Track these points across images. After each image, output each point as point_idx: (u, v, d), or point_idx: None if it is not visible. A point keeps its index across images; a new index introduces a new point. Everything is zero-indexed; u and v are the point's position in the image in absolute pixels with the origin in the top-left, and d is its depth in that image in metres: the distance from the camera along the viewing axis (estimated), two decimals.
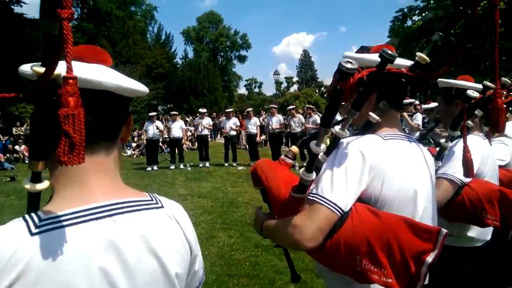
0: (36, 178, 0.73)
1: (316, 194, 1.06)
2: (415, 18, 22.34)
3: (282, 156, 1.44)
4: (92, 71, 0.71)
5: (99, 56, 0.79)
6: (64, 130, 0.55)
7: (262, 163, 1.44)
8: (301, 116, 10.89)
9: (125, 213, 0.72)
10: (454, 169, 1.60)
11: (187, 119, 20.29)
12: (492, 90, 1.63)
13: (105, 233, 0.68)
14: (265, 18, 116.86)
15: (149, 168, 10.61)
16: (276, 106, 12.33)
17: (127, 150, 15.55)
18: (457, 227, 1.71)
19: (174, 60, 36.12)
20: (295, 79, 59.41)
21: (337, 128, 1.09)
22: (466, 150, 1.57)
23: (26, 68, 0.66)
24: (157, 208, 0.79)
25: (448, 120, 1.90)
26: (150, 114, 11.17)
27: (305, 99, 35.39)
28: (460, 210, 1.58)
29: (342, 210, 1.03)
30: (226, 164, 11.07)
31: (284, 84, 56.53)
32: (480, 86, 1.75)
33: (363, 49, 31.42)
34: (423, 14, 21.41)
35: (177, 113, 11.84)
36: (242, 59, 49.55)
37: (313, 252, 1.07)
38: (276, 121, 10.93)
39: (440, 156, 1.67)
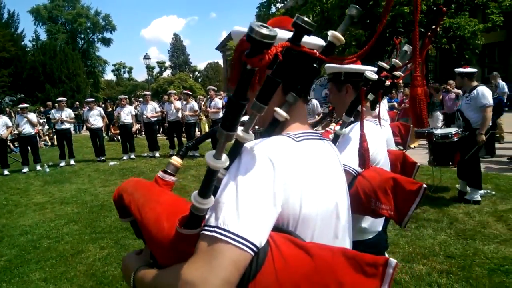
0: None
1: (216, 227, 0.70)
2: (279, 5, 23.52)
3: (160, 173, 1.01)
4: None
5: None
6: None
7: (129, 185, 0.99)
8: (179, 103, 10.29)
9: None
10: (348, 158, 1.48)
11: (41, 109, 17.49)
12: (385, 72, 1.53)
13: None
14: None
15: None
16: (149, 93, 11.45)
17: None
18: None
19: (22, 43, 30.97)
20: (168, 63, 57.44)
21: (238, 130, 0.75)
22: (363, 139, 1.44)
23: None
24: None
25: (340, 107, 1.79)
26: None
27: (180, 84, 34.41)
28: (355, 202, 1.45)
29: (256, 247, 0.70)
30: (103, 159, 9.90)
31: (157, 69, 54.09)
32: (372, 68, 1.65)
33: None
34: (285, 2, 22.68)
35: (26, 105, 9.87)
36: (106, 42, 45.55)
37: None
38: (151, 109, 10.16)
39: (334, 144, 1.51)
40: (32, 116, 9.44)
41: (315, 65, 0.87)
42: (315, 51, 0.84)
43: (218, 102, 9.86)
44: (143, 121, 10.78)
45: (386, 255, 3.36)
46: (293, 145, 0.85)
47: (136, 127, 12.91)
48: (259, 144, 0.81)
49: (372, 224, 1.75)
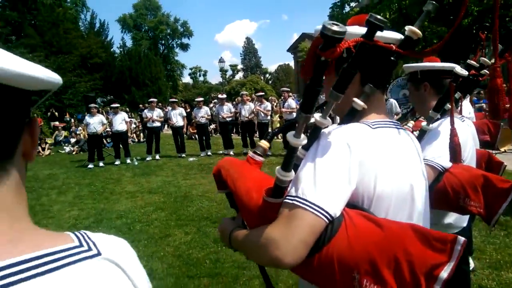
0: None
1: (296, 196, 0.84)
2: (353, 4, 22.98)
3: (250, 153, 1.19)
4: None
5: None
6: None
7: (226, 162, 1.19)
8: (251, 104, 10.70)
9: (35, 278, 0.43)
10: (434, 154, 1.51)
11: (126, 109, 19.30)
12: (474, 70, 1.54)
13: None
14: (206, 5, 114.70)
15: (90, 166, 9.85)
16: (225, 96, 12.06)
17: (65, 147, 14.39)
18: (434, 214, 1.62)
19: (112, 50, 34.18)
20: (240, 66, 59.18)
21: (317, 116, 0.88)
22: (453, 134, 1.47)
23: None
24: (91, 257, 0.50)
25: (419, 105, 1.83)
26: (90, 105, 10.31)
27: (252, 86, 35.29)
28: (442, 198, 1.47)
29: (331, 216, 0.82)
30: (184, 155, 10.65)
31: (229, 72, 56.04)
32: (448, 65, 1.66)
33: (304, 36, 32.05)
34: (360, 0, 22.07)
35: (118, 105, 11.10)
36: (184, 47, 48.43)
37: (299, 268, 0.86)
38: (226, 109, 10.71)
39: (420, 140, 1.56)
40: (124, 115, 10.56)
41: (392, 58, 0.95)
42: (391, 45, 0.92)
43: (292, 102, 10.04)
44: (218, 121, 11.37)
45: (471, 260, 3.23)
46: (368, 131, 0.94)
47: (212, 126, 13.65)
48: (336, 129, 0.92)
49: (458, 220, 1.74)
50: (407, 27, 0.93)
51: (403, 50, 0.92)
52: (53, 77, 0.51)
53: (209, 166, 8.97)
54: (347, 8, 22.64)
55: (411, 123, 2.26)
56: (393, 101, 7.28)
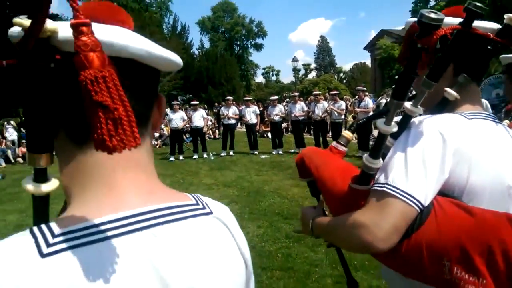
0: (40, 176, 0.53)
1: (386, 184, 0.83)
2: None
3: (334, 143, 1.20)
4: (113, 32, 0.50)
5: (117, 15, 0.57)
6: (97, 101, 0.38)
7: (309, 151, 1.22)
8: (325, 103, 10.58)
9: (168, 223, 0.53)
10: None
11: (204, 106, 20.33)
12: None
13: (142, 252, 0.49)
14: (280, 5, 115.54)
15: (172, 158, 10.60)
16: (298, 94, 12.10)
17: None
18: None
19: (191, 51, 36.23)
20: (313, 65, 58.61)
21: (407, 104, 0.87)
22: None
23: (15, 29, 0.47)
24: (206, 214, 0.59)
25: None
26: (173, 102, 11.15)
27: (325, 86, 34.70)
28: None
29: (422, 204, 0.81)
30: (256, 152, 10.95)
31: (302, 71, 55.76)
32: None
33: (383, 33, 30.58)
34: None
35: (197, 102, 11.85)
36: (258, 47, 49.44)
37: (384, 255, 0.86)
38: (299, 108, 10.75)
39: None
40: (203, 112, 11.19)
41: (489, 47, 0.91)
42: (488, 34, 0.88)
43: (369, 102, 9.73)
44: (290, 119, 11.44)
45: None
46: (463, 121, 0.91)
47: (284, 124, 13.75)
48: (428, 118, 0.90)
49: None
50: (506, 15, 0.89)
51: (502, 39, 0.88)
52: (179, 59, 0.61)
53: (280, 164, 9.09)
54: (431, 3, 21.21)
55: (505, 122, 2.08)
56: (485, 101, 6.65)
